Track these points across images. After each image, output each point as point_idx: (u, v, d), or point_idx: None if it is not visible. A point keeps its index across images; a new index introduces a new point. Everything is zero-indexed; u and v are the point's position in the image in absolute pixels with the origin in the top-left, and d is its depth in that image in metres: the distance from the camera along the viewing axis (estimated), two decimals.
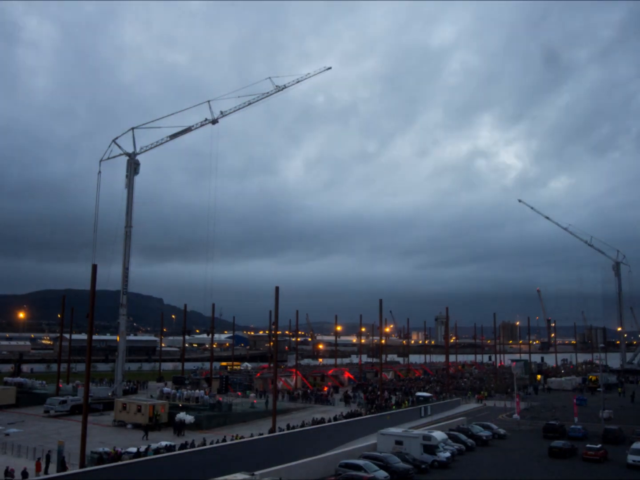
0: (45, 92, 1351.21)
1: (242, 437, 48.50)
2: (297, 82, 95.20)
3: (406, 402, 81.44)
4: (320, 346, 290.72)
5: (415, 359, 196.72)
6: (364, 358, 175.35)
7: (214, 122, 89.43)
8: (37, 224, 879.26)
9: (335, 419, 63.78)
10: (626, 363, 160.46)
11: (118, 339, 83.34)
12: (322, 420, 62.22)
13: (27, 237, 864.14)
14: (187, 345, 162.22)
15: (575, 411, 64.10)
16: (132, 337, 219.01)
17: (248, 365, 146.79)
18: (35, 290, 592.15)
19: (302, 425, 57.47)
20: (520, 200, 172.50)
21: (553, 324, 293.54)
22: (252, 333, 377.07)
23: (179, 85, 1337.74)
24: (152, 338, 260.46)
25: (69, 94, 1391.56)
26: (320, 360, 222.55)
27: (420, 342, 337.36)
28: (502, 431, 56.04)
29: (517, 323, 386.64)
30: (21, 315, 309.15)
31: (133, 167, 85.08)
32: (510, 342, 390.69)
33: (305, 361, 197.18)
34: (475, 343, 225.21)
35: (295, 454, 39.86)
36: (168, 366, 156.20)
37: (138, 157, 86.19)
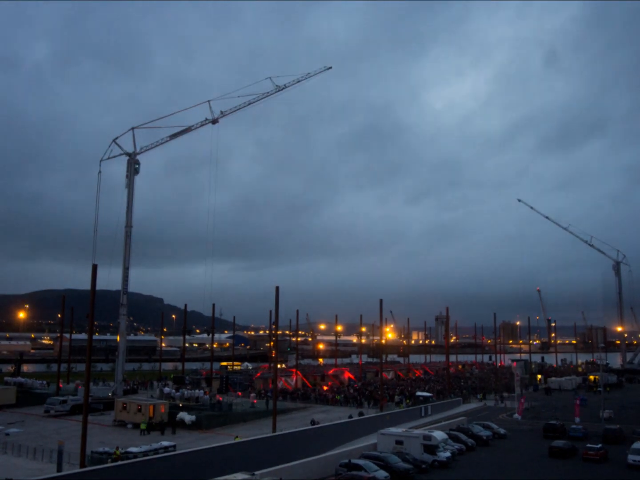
0: None
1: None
2: (297, 82, 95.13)
3: (407, 401, 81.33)
4: (321, 346, 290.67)
5: (415, 358, 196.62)
6: (364, 358, 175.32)
7: (214, 122, 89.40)
8: (37, 223, 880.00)
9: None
10: (627, 363, 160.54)
11: (118, 338, 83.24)
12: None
13: (27, 237, 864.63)
14: (187, 345, 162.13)
15: (577, 411, 64.12)
16: (132, 337, 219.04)
17: (248, 365, 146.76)
18: (35, 290, 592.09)
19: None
20: (519, 200, 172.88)
21: (553, 324, 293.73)
22: (253, 333, 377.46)
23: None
24: (153, 338, 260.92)
25: None
26: (321, 360, 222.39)
27: (421, 342, 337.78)
28: (502, 431, 56.07)
29: (518, 323, 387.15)
30: (21, 315, 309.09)
31: (133, 167, 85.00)
32: (511, 342, 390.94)
33: (305, 361, 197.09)
34: (475, 343, 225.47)
35: (295, 454, 39.85)
36: (168, 366, 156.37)
37: (138, 157, 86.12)
